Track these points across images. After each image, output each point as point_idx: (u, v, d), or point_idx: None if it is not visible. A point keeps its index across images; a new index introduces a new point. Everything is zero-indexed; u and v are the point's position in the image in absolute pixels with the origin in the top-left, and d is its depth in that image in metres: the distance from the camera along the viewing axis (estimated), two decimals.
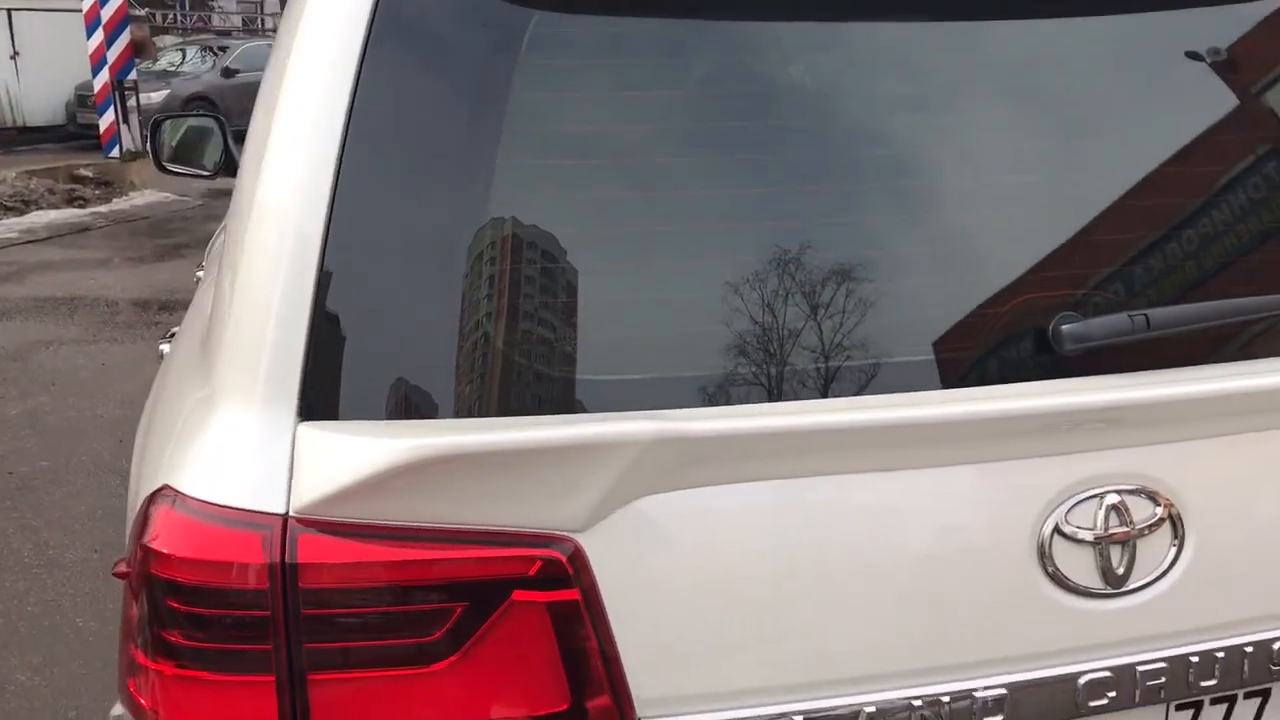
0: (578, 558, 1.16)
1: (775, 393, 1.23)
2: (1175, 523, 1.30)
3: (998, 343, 1.28)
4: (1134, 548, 1.28)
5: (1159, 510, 1.29)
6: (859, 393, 1.24)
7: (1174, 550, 1.30)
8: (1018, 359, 1.28)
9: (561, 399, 1.20)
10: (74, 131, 17.01)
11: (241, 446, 1.17)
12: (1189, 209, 1.36)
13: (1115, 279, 1.33)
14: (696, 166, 1.28)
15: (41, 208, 11.53)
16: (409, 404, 1.18)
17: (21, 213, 11.29)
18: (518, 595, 1.16)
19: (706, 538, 1.20)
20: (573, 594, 1.17)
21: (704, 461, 1.17)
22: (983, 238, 1.32)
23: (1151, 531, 1.29)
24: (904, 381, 1.25)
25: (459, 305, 1.19)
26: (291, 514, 1.13)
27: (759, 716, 1.22)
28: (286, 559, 1.12)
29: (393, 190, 1.20)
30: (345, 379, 1.18)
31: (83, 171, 13.07)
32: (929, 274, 1.30)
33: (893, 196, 1.30)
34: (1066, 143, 1.37)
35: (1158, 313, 1.27)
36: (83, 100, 16.27)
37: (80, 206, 11.87)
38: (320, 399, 1.16)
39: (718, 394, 1.22)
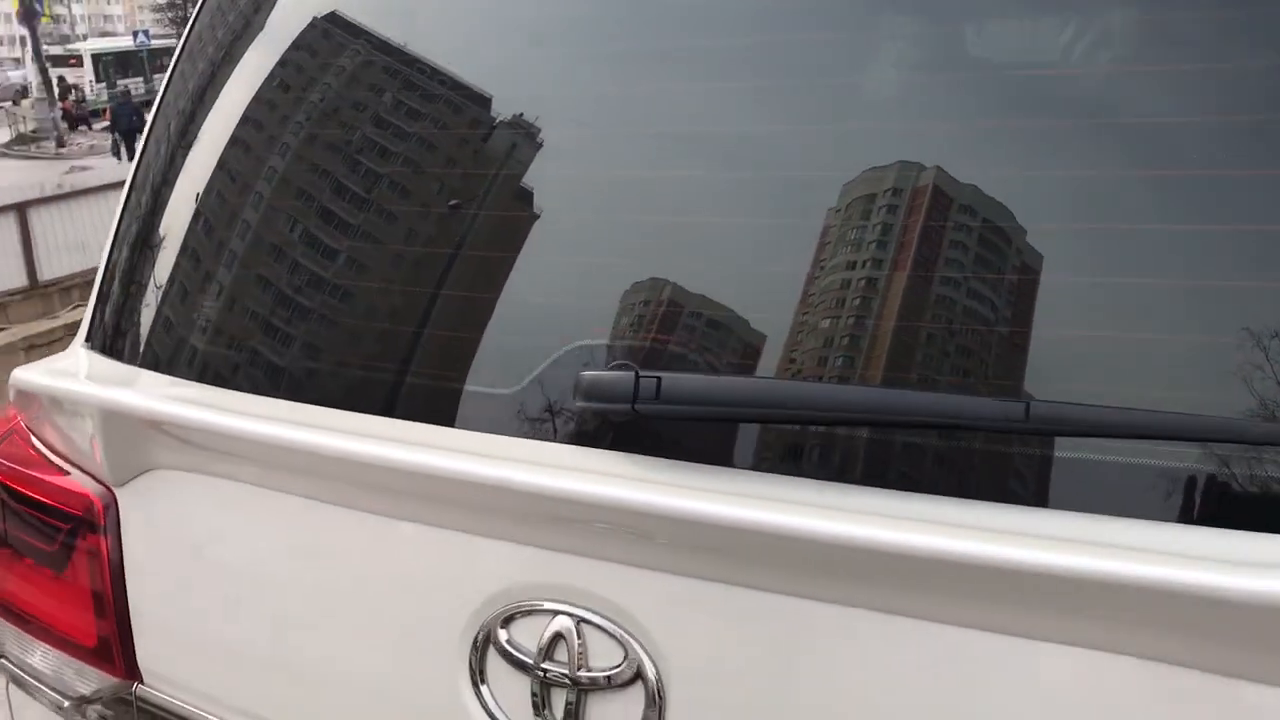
0: (111, 509, 1.22)
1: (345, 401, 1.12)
2: (650, 687, 0.89)
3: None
4: (583, 701, 0.92)
5: (625, 663, 0.90)
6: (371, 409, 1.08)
7: None
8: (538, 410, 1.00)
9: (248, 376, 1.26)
10: None
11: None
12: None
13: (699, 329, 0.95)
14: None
15: None
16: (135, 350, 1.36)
17: None
18: (80, 531, 1.26)
19: (206, 532, 1.17)
20: (100, 542, 1.23)
21: (199, 447, 1.14)
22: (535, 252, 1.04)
23: (613, 687, 0.91)
24: (418, 409, 1.06)
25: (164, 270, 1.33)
26: (20, 419, 1.39)
27: None
28: None
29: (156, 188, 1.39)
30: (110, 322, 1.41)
31: None
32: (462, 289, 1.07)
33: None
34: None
35: (685, 381, 0.88)
36: None
37: None
38: (97, 335, 1.40)
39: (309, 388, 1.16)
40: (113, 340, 1.34)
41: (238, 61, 1.34)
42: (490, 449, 0.99)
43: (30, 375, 1.24)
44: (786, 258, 0.94)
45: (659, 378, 0.87)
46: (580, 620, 0.93)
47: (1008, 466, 0.81)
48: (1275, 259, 0.78)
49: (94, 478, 1.25)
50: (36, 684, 1.33)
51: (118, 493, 1.23)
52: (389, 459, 0.96)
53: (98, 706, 1.26)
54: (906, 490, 0.82)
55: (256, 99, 1.28)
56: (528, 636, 0.95)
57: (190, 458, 1.15)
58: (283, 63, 1.30)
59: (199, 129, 1.35)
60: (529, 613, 0.95)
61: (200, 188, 1.30)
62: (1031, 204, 0.85)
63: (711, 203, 1.02)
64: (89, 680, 1.28)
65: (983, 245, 0.86)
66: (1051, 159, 0.88)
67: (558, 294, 1.04)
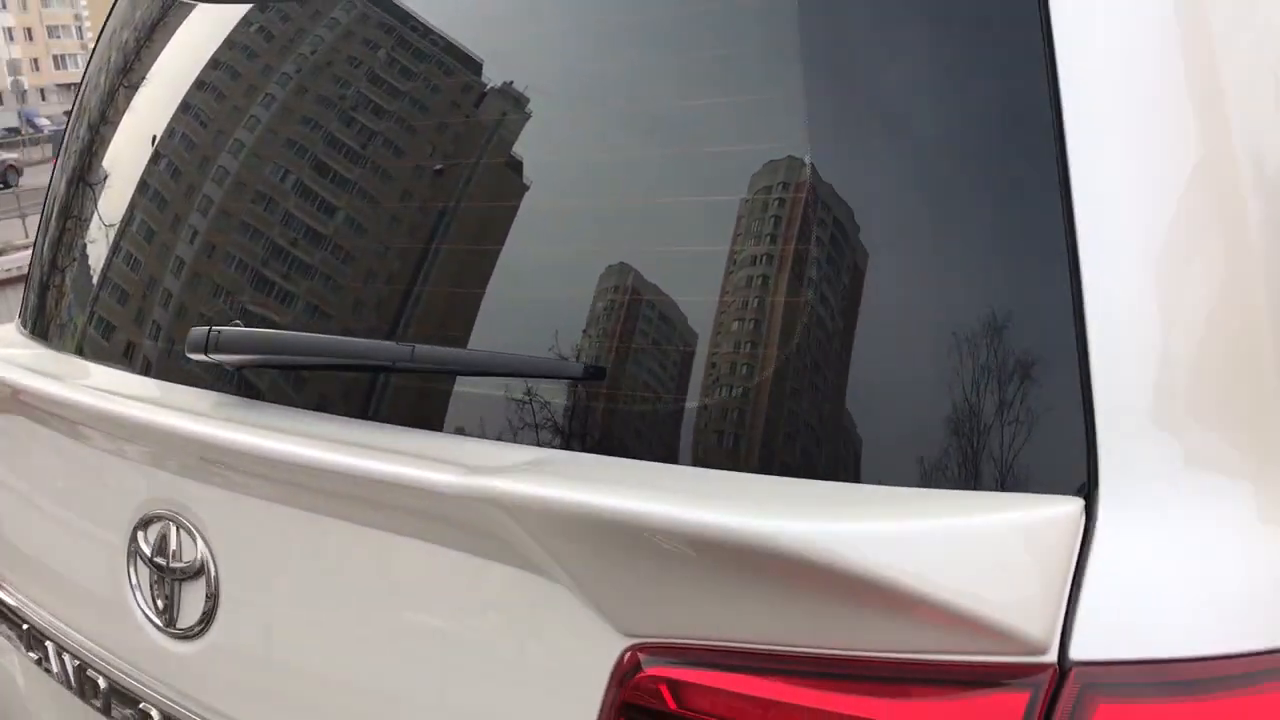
0: None
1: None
2: (209, 581, 1.11)
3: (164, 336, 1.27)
4: (176, 590, 1.15)
5: (196, 560, 1.12)
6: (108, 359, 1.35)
7: (204, 613, 1.12)
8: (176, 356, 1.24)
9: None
10: None
11: None
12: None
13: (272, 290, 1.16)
14: None
15: None
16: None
17: None
18: None
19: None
20: None
21: None
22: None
23: (190, 579, 1.14)
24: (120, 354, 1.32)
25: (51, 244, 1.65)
26: None
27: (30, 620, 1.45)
28: None
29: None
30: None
31: None
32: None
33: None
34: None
35: (232, 334, 1.07)
36: None
37: None
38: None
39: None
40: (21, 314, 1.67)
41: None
42: (138, 391, 1.23)
43: None
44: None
45: (219, 331, 1.08)
46: (179, 525, 1.16)
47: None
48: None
49: None
50: None
51: None
52: (55, 396, 1.22)
53: None
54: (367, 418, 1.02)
55: None
56: (154, 537, 1.19)
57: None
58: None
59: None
60: (158, 519, 1.19)
61: (62, 174, 1.61)
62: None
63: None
64: None
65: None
66: None
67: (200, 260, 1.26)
